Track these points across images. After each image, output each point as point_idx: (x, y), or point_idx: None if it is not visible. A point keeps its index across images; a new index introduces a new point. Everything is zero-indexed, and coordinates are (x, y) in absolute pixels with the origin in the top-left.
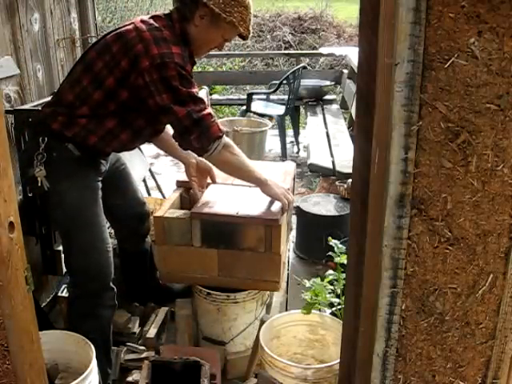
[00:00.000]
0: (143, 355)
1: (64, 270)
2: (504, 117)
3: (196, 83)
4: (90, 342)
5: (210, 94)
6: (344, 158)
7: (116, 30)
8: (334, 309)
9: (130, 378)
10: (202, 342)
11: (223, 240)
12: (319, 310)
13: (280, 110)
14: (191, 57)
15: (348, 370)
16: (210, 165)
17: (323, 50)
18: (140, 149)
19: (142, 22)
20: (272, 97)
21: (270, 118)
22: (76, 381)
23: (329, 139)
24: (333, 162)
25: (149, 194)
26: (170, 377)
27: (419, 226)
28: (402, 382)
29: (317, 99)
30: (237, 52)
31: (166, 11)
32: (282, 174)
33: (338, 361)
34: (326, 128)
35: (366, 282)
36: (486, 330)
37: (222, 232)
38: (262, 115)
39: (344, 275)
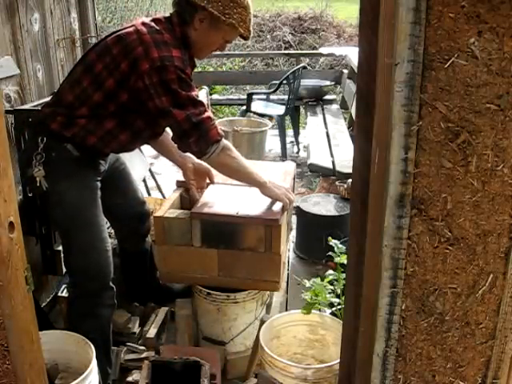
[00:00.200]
0: (143, 355)
1: (64, 269)
2: (504, 117)
3: (196, 84)
4: (89, 342)
5: (210, 94)
6: (344, 157)
7: (117, 31)
8: (334, 309)
9: (130, 378)
10: (202, 341)
11: (223, 240)
12: (319, 310)
13: (280, 109)
14: (191, 60)
15: (348, 370)
16: (208, 166)
17: (323, 50)
18: (140, 149)
19: (143, 24)
20: (272, 97)
21: (270, 117)
22: (76, 381)
23: (329, 139)
24: (333, 162)
25: (149, 194)
26: (170, 377)
27: (419, 226)
28: (402, 382)
29: (317, 99)
30: (237, 52)
31: (167, 14)
32: (281, 174)
33: (338, 361)
34: (326, 128)
35: (366, 282)
36: (485, 330)
37: (222, 232)
38: (262, 115)
39: (344, 275)
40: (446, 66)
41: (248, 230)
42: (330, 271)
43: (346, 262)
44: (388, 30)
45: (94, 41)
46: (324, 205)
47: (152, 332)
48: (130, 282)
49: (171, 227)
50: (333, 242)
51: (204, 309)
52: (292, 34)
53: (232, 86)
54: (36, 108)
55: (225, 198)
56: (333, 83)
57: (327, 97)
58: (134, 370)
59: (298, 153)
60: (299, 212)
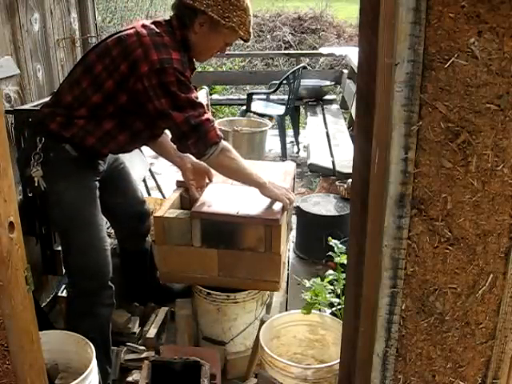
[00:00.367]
0: (143, 355)
1: (64, 270)
2: (504, 117)
3: (196, 84)
4: (89, 342)
5: (210, 94)
6: (344, 157)
7: (117, 33)
8: (334, 309)
9: (130, 378)
10: (202, 341)
11: (223, 240)
12: (319, 310)
13: (280, 109)
14: (191, 62)
15: (348, 370)
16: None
17: (323, 50)
18: (140, 149)
19: (143, 26)
20: (272, 97)
21: (270, 117)
22: (76, 381)
23: (329, 139)
24: (333, 162)
25: (149, 194)
26: (170, 377)
27: (419, 226)
28: (402, 382)
29: (317, 99)
30: (237, 52)
31: (167, 16)
32: (281, 174)
33: (338, 361)
34: (326, 128)
35: (366, 282)
36: (485, 330)
37: (222, 232)
38: (262, 115)
39: (344, 275)
40: (446, 66)
41: (248, 230)
42: (330, 271)
43: (346, 262)
44: (388, 30)
45: (94, 41)
46: (324, 205)
47: (152, 332)
48: (130, 281)
49: (171, 227)
50: (333, 241)
51: (204, 309)
52: (292, 34)
53: (232, 85)
54: (36, 108)
55: (225, 197)
56: (333, 83)
57: (327, 97)
58: (134, 370)
59: (298, 153)
60: (299, 212)
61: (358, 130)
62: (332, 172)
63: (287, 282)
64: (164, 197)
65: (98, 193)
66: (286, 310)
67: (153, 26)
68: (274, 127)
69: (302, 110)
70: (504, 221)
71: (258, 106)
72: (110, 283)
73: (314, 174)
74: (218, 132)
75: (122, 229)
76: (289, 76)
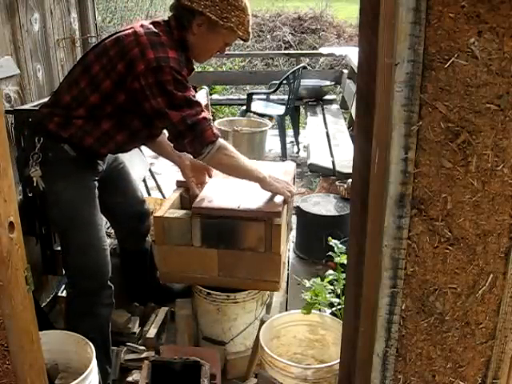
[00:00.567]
0: (143, 355)
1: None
2: (504, 117)
3: (196, 84)
4: (89, 342)
5: (210, 94)
6: (344, 157)
7: (116, 33)
8: (334, 309)
9: (130, 378)
10: (202, 341)
11: (223, 240)
12: (319, 310)
13: (280, 110)
14: (189, 62)
15: (348, 370)
16: None
17: (323, 50)
18: (140, 149)
19: (142, 26)
20: (272, 97)
21: (270, 117)
22: (76, 381)
23: (329, 139)
24: (333, 162)
25: (149, 194)
26: (170, 377)
27: (419, 226)
28: (402, 382)
29: (317, 99)
30: (237, 52)
31: (166, 18)
32: (281, 174)
33: (338, 361)
34: (326, 128)
35: (366, 282)
36: (485, 330)
37: (222, 232)
38: (262, 115)
39: (344, 275)
40: (446, 65)
41: (248, 230)
42: (330, 271)
43: (346, 262)
44: (388, 30)
45: (93, 41)
46: (324, 205)
47: (152, 332)
48: (130, 281)
49: (171, 227)
50: (333, 241)
51: (204, 309)
52: (292, 34)
53: (232, 85)
54: (36, 108)
55: (225, 192)
56: (333, 83)
57: (327, 97)
58: (134, 370)
59: (298, 153)
60: (299, 212)
61: (357, 130)
62: (332, 172)
63: (287, 282)
64: (164, 197)
65: (97, 192)
66: (286, 309)
67: (151, 26)
68: (274, 127)
69: (302, 109)
70: (504, 221)
71: (257, 105)
72: (109, 283)
73: (314, 174)
74: (215, 131)
75: (121, 229)
76: (289, 76)
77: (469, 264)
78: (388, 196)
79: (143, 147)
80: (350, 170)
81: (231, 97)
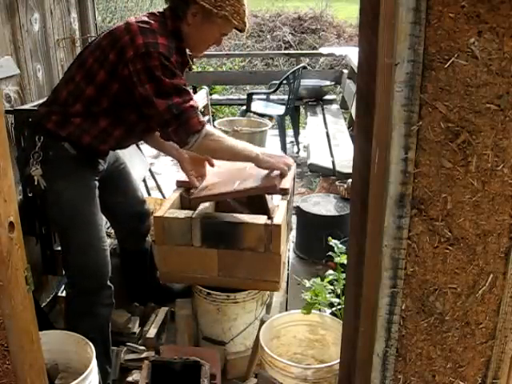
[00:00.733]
0: (143, 355)
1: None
2: (504, 117)
3: (196, 84)
4: (89, 342)
5: (210, 94)
6: (344, 157)
7: (110, 28)
8: (334, 309)
9: (130, 378)
10: (202, 341)
11: (223, 240)
12: (319, 310)
13: (280, 110)
14: (183, 53)
15: (348, 370)
16: None
17: (323, 50)
18: (140, 149)
19: (135, 18)
20: (272, 97)
21: (270, 117)
22: (76, 381)
23: (329, 139)
24: (333, 162)
25: (149, 194)
26: (170, 377)
27: (419, 226)
28: (402, 382)
29: (317, 99)
30: (237, 52)
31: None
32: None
33: (338, 361)
34: (326, 128)
35: (366, 282)
36: (485, 330)
37: (222, 232)
38: (261, 115)
39: (344, 275)
40: (446, 66)
41: (248, 230)
42: (330, 271)
43: (346, 262)
44: (388, 30)
45: None
46: (324, 205)
47: (152, 332)
48: (130, 281)
49: (171, 227)
50: (333, 241)
51: (204, 309)
52: (292, 34)
53: (232, 86)
54: (36, 108)
55: (223, 180)
56: (333, 83)
57: (327, 97)
58: (134, 370)
59: (298, 153)
60: (299, 212)
61: (358, 130)
62: (332, 172)
63: (287, 282)
64: (164, 197)
65: (97, 192)
66: (286, 310)
67: (144, 17)
68: (274, 127)
69: (302, 109)
70: (504, 221)
71: (257, 105)
72: (109, 283)
73: (314, 174)
74: (201, 119)
75: (122, 229)
76: (289, 76)
77: (469, 264)
78: (388, 196)
79: (143, 147)
80: (349, 170)
81: (231, 97)
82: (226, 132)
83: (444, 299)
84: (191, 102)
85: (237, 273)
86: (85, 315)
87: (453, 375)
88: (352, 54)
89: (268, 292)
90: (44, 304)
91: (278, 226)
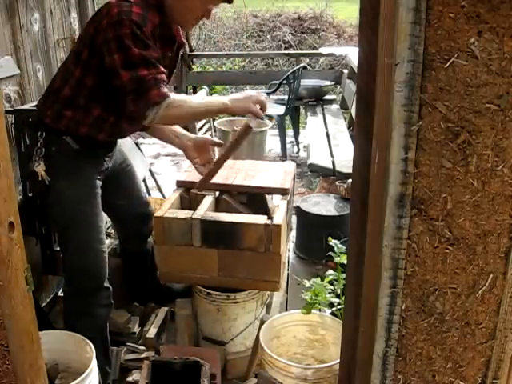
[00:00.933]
0: (143, 355)
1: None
2: (504, 117)
3: (196, 84)
4: (89, 342)
5: (210, 94)
6: (344, 157)
7: None
8: (334, 309)
9: (130, 378)
10: (202, 341)
11: (223, 240)
12: (319, 310)
13: (280, 110)
14: (169, 28)
15: (348, 370)
16: (205, 136)
17: (323, 50)
18: (140, 149)
19: None
20: (272, 97)
21: (270, 117)
22: (76, 381)
23: (329, 139)
24: (333, 162)
25: (149, 194)
26: (170, 377)
27: (419, 226)
28: (401, 382)
29: (317, 99)
30: (237, 52)
31: None
32: (282, 174)
33: (338, 361)
34: (326, 128)
35: (366, 282)
36: (486, 330)
37: (222, 232)
38: None
39: (344, 275)
40: (446, 66)
41: (248, 230)
42: (330, 271)
43: (346, 261)
44: (388, 30)
45: None
46: (324, 205)
47: (152, 332)
48: (130, 282)
49: (171, 227)
50: (333, 241)
51: (204, 309)
52: (292, 34)
53: (232, 86)
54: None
55: (227, 171)
56: (333, 83)
57: (327, 97)
58: (134, 370)
59: (298, 153)
60: (299, 212)
61: (358, 130)
62: (332, 172)
63: (287, 282)
64: (164, 197)
65: (100, 192)
66: (286, 310)
67: None
68: (274, 127)
69: (302, 109)
70: (504, 221)
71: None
72: (106, 284)
73: (314, 174)
74: (163, 91)
75: (124, 229)
76: (289, 76)
77: (469, 264)
78: (388, 196)
79: (143, 147)
80: (349, 170)
81: None
82: (225, 132)
83: (444, 299)
84: (159, 76)
85: (237, 273)
86: (82, 315)
87: (453, 375)
88: (352, 54)
89: (268, 292)
90: (44, 304)
91: (278, 226)
